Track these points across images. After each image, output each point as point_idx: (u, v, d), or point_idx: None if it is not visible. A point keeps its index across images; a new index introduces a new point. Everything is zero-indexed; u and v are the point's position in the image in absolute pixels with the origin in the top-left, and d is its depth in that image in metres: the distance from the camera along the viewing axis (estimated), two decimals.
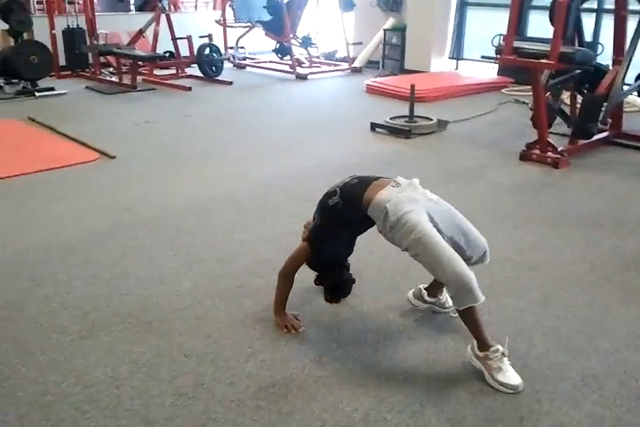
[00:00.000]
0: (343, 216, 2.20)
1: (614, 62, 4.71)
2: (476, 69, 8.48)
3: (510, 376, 2.00)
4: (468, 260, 2.14)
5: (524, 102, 6.69)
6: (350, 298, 2.47)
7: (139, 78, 7.45)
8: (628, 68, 4.50)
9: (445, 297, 2.45)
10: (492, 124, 5.78)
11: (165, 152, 4.78)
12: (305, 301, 2.53)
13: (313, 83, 8.14)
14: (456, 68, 8.71)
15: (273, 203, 3.69)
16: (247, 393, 1.98)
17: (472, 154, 4.79)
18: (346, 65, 8.98)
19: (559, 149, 4.46)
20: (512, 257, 2.98)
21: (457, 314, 2.11)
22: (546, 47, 4.16)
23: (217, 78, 7.90)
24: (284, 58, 8.78)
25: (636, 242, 3.14)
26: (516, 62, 4.28)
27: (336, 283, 2.37)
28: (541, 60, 4.09)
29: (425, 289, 2.45)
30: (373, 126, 5.51)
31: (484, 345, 2.04)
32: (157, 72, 8.06)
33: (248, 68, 9.12)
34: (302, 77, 8.28)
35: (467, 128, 5.62)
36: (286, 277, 2.35)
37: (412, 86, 5.53)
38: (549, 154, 4.47)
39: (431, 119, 5.55)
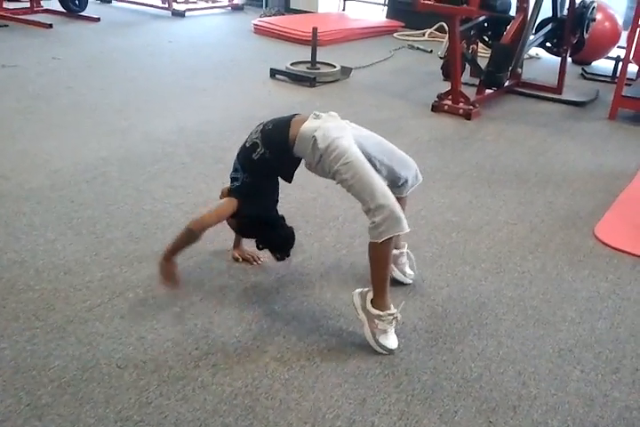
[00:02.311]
0: (274, 165, 2.06)
1: (518, 9, 4.61)
2: (364, 11, 8.19)
3: (391, 340, 1.92)
4: (405, 182, 2.14)
5: (418, 48, 6.56)
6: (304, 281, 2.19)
7: None
8: (537, 15, 4.42)
9: (405, 260, 2.30)
10: (394, 72, 5.56)
11: (36, 104, 4.05)
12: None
13: (192, 20, 7.41)
14: (343, 10, 8.35)
15: (180, 164, 3.23)
16: (206, 409, 1.66)
17: (382, 104, 4.55)
18: (225, 1, 8.28)
19: (471, 100, 4.35)
20: (453, 220, 2.83)
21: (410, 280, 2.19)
22: None
23: (81, 14, 6.91)
24: None
25: (566, 197, 3.12)
26: (434, 8, 4.03)
27: (282, 238, 2.19)
28: (462, 6, 3.87)
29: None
30: (273, 73, 5.08)
31: (382, 304, 1.93)
32: (7, 5, 6.88)
33: (115, 3, 8.09)
34: (179, 14, 7.50)
35: (369, 76, 5.36)
36: (200, 232, 2.03)
37: (315, 29, 5.12)
38: (461, 105, 4.35)
39: (334, 66, 5.21)
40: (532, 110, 4.62)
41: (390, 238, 1.84)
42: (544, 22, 4.80)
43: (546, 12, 4.71)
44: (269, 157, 2.01)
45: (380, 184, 1.88)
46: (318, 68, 5.16)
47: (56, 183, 2.90)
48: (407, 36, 7.12)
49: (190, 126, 3.80)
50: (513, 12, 4.55)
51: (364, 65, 5.62)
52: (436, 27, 7.15)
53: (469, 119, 4.28)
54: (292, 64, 5.18)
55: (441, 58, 5.10)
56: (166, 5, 7.64)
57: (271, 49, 6.18)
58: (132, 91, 4.45)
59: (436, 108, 4.42)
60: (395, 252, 2.19)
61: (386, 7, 7.89)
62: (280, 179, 2.17)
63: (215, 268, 2.32)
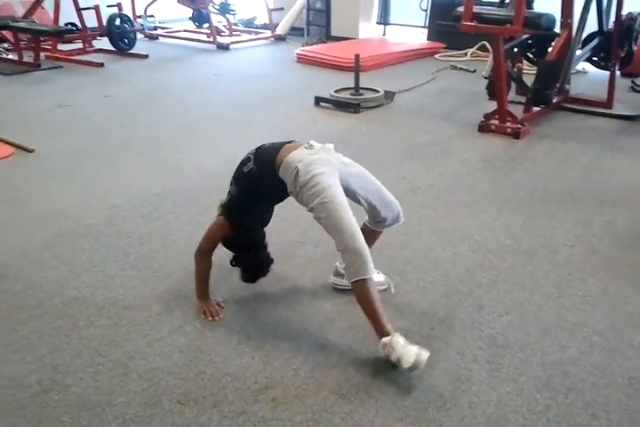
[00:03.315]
0: (259, 182, 2.11)
1: (562, 25, 4.55)
2: (404, 35, 8.24)
3: (411, 357, 1.82)
4: (383, 220, 2.19)
5: (461, 68, 6.54)
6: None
7: (41, 55, 6.63)
8: (583, 29, 4.35)
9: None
10: (438, 94, 5.55)
11: (90, 141, 4.21)
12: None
13: (236, 53, 7.60)
14: (383, 34, 8.42)
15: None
16: None
17: (427, 127, 4.54)
18: (268, 33, 8.47)
19: (519, 119, 4.29)
20: (507, 243, 2.77)
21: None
22: (507, 12, 3.94)
23: (130, 52, 7.20)
24: (202, 26, 8.13)
25: (624, 217, 3.02)
26: (477, 29, 4.01)
27: (253, 264, 2.28)
28: (506, 26, 3.85)
29: (340, 264, 2.29)
30: (318, 100, 5.14)
31: (383, 333, 1.92)
32: (62, 47, 7.22)
33: (161, 39, 8.41)
34: (224, 47, 7.72)
35: (412, 99, 5.36)
36: (202, 257, 2.22)
37: (357, 56, 5.17)
38: (509, 124, 4.30)
39: (378, 91, 5.24)
40: (582, 126, 4.52)
41: (363, 280, 1.89)
42: (590, 37, 4.73)
43: (591, 26, 4.64)
44: (256, 174, 2.09)
45: (351, 228, 1.91)
46: (362, 94, 5.19)
47: (113, 219, 2.99)
48: (449, 56, 7.12)
49: (239, 158, 3.85)
50: (557, 29, 4.50)
51: (407, 88, 5.63)
52: (477, 46, 7.13)
53: (518, 138, 4.21)
54: (335, 91, 5.24)
55: (485, 78, 5.05)
56: (211, 39, 7.87)
57: (314, 77, 6.27)
58: (180, 125, 4.57)
59: (483, 128, 4.37)
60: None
61: (426, 29, 7.92)
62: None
63: (269, 298, 2.33)
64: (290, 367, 1.95)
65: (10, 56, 6.80)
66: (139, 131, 4.44)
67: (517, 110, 4.45)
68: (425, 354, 1.84)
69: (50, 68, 6.39)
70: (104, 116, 4.81)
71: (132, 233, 2.84)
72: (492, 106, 4.45)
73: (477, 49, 7.16)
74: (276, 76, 6.34)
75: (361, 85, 5.26)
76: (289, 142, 2.14)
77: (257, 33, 8.57)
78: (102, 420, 1.73)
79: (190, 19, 8.18)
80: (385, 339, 1.90)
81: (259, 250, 2.26)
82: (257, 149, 2.16)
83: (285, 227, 2.82)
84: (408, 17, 8.55)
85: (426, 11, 7.93)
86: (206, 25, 8.02)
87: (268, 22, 8.50)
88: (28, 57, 6.55)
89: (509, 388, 1.85)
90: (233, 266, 2.28)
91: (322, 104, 5.12)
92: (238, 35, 8.54)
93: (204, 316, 2.21)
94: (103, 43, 7.42)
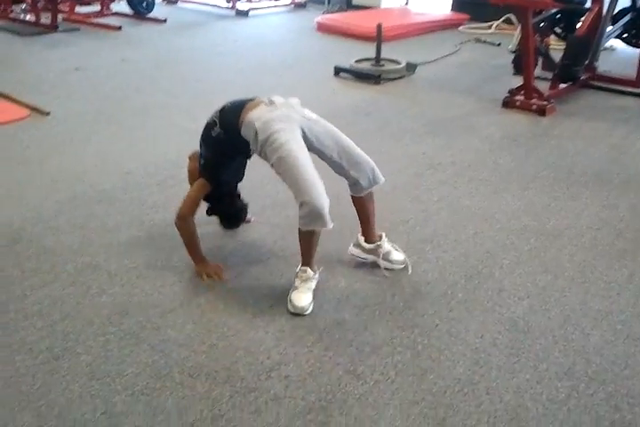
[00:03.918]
0: (229, 145, 2.14)
1: (594, 0, 4.36)
2: (427, 5, 7.99)
3: (301, 298, 2.05)
4: (356, 182, 2.15)
5: (485, 41, 6.34)
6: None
7: (59, 17, 6.49)
8: (615, 6, 4.17)
9: (387, 248, 2.31)
10: (461, 67, 5.39)
11: (107, 105, 4.13)
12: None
13: (255, 20, 7.42)
14: (406, 4, 8.17)
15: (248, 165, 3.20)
16: (279, 424, 1.61)
17: (450, 101, 4.41)
18: (288, 0, 8.25)
19: (545, 95, 4.15)
20: (530, 224, 2.68)
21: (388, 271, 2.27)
22: None
23: (148, 16, 7.04)
24: None
25: None
26: (507, 1, 3.86)
27: (230, 212, 2.37)
28: None
29: (361, 235, 2.34)
30: (337, 70, 5.01)
31: (304, 261, 2.10)
32: (79, 9, 7.08)
33: (180, 4, 8.21)
34: (243, 14, 7.52)
35: (435, 71, 5.21)
36: (187, 221, 2.21)
37: (380, 25, 5.01)
38: (534, 101, 4.16)
39: (399, 62, 5.08)
40: (610, 105, 4.37)
41: (311, 231, 1.99)
42: (622, 12, 4.54)
43: (623, 1, 4.45)
44: (224, 137, 2.12)
45: (308, 180, 1.93)
46: (383, 65, 5.05)
47: (128, 185, 2.94)
48: (473, 29, 6.89)
49: None
50: (588, 3, 4.32)
51: (430, 60, 5.47)
52: (503, 19, 6.90)
53: (543, 115, 4.08)
54: (356, 61, 5.09)
55: (512, 52, 4.90)
56: (230, 5, 7.69)
57: (334, 46, 6.11)
58: (199, 91, 4.47)
59: (508, 103, 4.24)
60: (370, 246, 2.30)
61: (450, 0, 7.67)
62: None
63: (284, 273, 2.28)
64: (304, 344, 1.91)
65: (27, 17, 6.68)
66: (156, 96, 4.35)
67: (543, 86, 4.30)
68: (308, 309, 2.03)
69: (67, 31, 6.26)
70: (121, 80, 4.72)
71: (147, 200, 2.79)
72: (517, 81, 4.31)
73: (502, 22, 6.93)
74: (296, 44, 6.19)
75: (382, 56, 5.12)
76: (251, 100, 2.13)
77: (277, 0, 8.36)
78: (112, 390, 1.70)
79: None
80: (303, 268, 2.09)
81: (232, 198, 2.35)
82: (220, 111, 2.16)
83: None
84: None
85: None
86: None
87: None
88: (44, 18, 6.42)
89: (529, 375, 1.79)
90: (209, 215, 2.34)
91: (341, 74, 4.99)
92: (258, 1, 8.32)
93: (207, 278, 2.21)
94: (121, 6, 7.26)
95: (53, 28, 6.21)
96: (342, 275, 2.29)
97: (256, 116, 2.02)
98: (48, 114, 3.86)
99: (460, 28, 6.99)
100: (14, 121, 3.73)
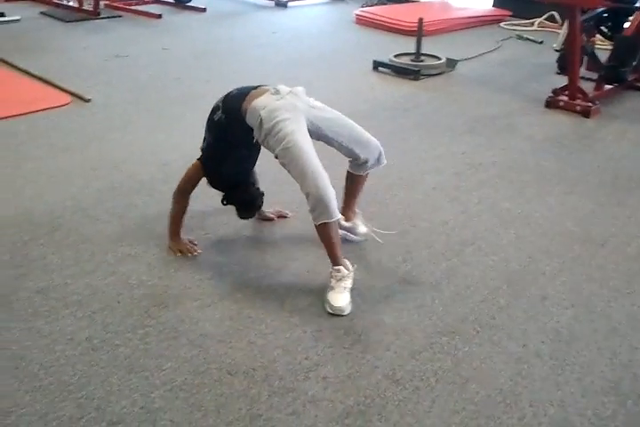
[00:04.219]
0: (229, 130, 2.13)
1: None
2: (468, 0, 7.85)
3: (337, 298, 2.02)
4: (364, 162, 2.20)
5: (527, 39, 6.20)
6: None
7: (101, 3, 6.53)
8: None
9: (359, 223, 2.42)
10: (502, 64, 5.28)
11: (147, 94, 4.15)
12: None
13: (294, 11, 7.37)
14: None
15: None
16: None
17: (491, 99, 4.32)
18: None
19: (590, 96, 4.04)
20: (574, 230, 2.61)
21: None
22: None
23: (188, 4, 7.05)
24: None
25: None
26: None
27: (244, 200, 2.31)
28: None
29: (341, 213, 2.34)
30: (376, 65, 4.95)
31: (333, 262, 2.07)
32: None
33: None
34: (282, 5, 7.49)
35: (475, 68, 5.11)
36: (181, 196, 2.26)
37: (420, 20, 4.93)
38: (579, 101, 4.05)
39: (439, 58, 5.00)
40: None
41: (324, 224, 1.95)
42: None
43: None
44: (225, 122, 2.11)
45: (314, 172, 1.92)
46: (422, 61, 4.97)
47: (167, 176, 2.93)
48: (515, 25, 6.75)
49: None
50: (638, 3, 4.19)
51: (470, 57, 5.37)
52: (546, 16, 6.74)
53: (588, 117, 3.97)
54: (395, 56, 5.02)
55: (556, 50, 4.78)
56: None
57: (373, 40, 6.04)
58: (238, 82, 4.39)
59: (551, 103, 4.14)
60: (347, 224, 2.38)
61: None
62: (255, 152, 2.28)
63: (322, 272, 2.25)
64: (342, 346, 1.88)
65: (70, 3, 6.74)
66: (195, 86, 4.34)
67: (587, 87, 4.19)
68: (347, 310, 2.01)
69: (109, 17, 6.32)
70: (161, 68, 4.73)
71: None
72: (561, 81, 4.21)
73: (545, 19, 6.77)
74: (334, 37, 6.13)
75: (422, 51, 5.04)
76: (256, 88, 2.13)
77: None
78: (150, 384, 1.70)
79: None
80: (337, 267, 2.06)
81: (247, 187, 2.29)
82: (225, 96, 2.16)
83: None
84: None
85: None
86: None
87: None
88: (87, 4, 6.47)
89: (574, 388, 1.74)
90: (224, 205, 2.31)
91: (380, 69, 4.92)
92: None
93: (180, 254, 2.27)
94: None
95: (96, 14, 6.26)
96: (380, 275, 2.25)
97: (261, 104, 2.02)
98: (89, 101, 3.89)
99: (502, 24, 6.85)
100: (56, 107, 3.76)
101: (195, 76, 4.57)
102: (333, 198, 1.94)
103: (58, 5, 6.73)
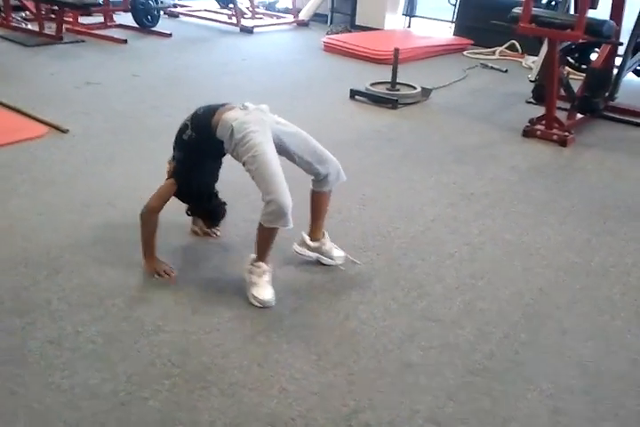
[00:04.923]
0: (200, 147, 2.25)
1: None
2: (428, 28, 8.07)
3: (263, 291, 2.18)
4: (325, 178, 2.32)
5: (492, 68, 6.40)
6: None
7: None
8: (636, 39, 4.24)
9: (330, 246, 2.50)
10: (473, 93, 5.42)
11: (126, 124, 4.04)
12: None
13: (260, 37, 7.39)
14: (409, 26, 8.25)
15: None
16: None
17: (469, 129, 4.42)
18: (290, 18, 8.26)
19: (566, 126, 4.19)
20: (576, 261, 2.67)
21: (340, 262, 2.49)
22: (567, 17, 3.82)
23: (153, 29, 6.97)
24: (228, 6, 7.88)
25: None
26: (535, 32, 3.90)
27: (209, 210, 2.45)
28: (566, 31, 3.72)
29: (307, 235, 2.49)
30: (353, 94, 5.00)
31: (259, 258, 2.22)
32: (81, 20, 6.97)
33: (182, 17, 8.16)
34: (248, 30, 7.49)
35: (448, 97, 5.23)
36: (151, 216, 2.31)
37: (397, 50, 5.01)
38: (555, 131, 4.19)
39: (414, 87, 5.10)
40: (627, 137, 4.42)
41: (273, 228, 2.11)
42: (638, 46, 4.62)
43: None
44: (195, 139, 2.22)
45: (277, 180, 2.06)
46: (398, 90, 5.06)
47: (163, 211, 2.84)
48: (477, 54, 6.97)
49: None
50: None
51: (441, 85, 5.49)
52: (506, 45, 7.00)
53: (564, 146, 4.11)
54: (371, 85, 5.09)
55: (532, 81, 4.94)
56: (234, 21, 7.65)
57: (343, 67, 6.10)
58: None
59: (528, 133, 4.26)
60: (315, 244, 2.48)
61: (453, 24, 7.76)
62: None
63: (341, 312, 2.22)
64: (377, 389, 1.85)
65: (29, 26, 6.56)
66: (174, 115, 4.19)
67: (559, 116, 4.34)
68: (273, 302, 2.18)
69: (72, 42, 6.16)
70: (135, 96, 4.63)
71: (184, 228, 2.71)
72: (531, 109, 4.37)
73: (506, 48, 7.03)
74: (305, 65, 6.17)
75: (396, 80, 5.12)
76: (223, 105, 2.25)
77: (279, 17, 8.36)
78: None
79: None
80: (257, 263, 2.21)
81: (210, 197, 2.42)
82: (192, 115, 2.28)
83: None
84: (431, 9, 8.38)
85: (454, 5, 7.77)
86: (231, 6, 7.77)
87: (290, 6, 8.30)
88: (47, 29, 6.30)
89: (612, 423, 1.76)
90: (189, 215, 2.50)
91: (357, 97, 4.97)
92: (260, 18, 8.31)
93: (159, 276, 2.31)
94: (123, 18, 7.18)
95: (59, 38, 6.10)
96: (399, 312, 2.23)
97: (233, 117, 2.15)
98: (67, 131, 3.76)
99: (465, 52, 7.06)
100: (33, 139, 3.62)
101: (172, 105, 4.47)
102: (290, 208, 2.06)
103: (16, 29, 6.53)
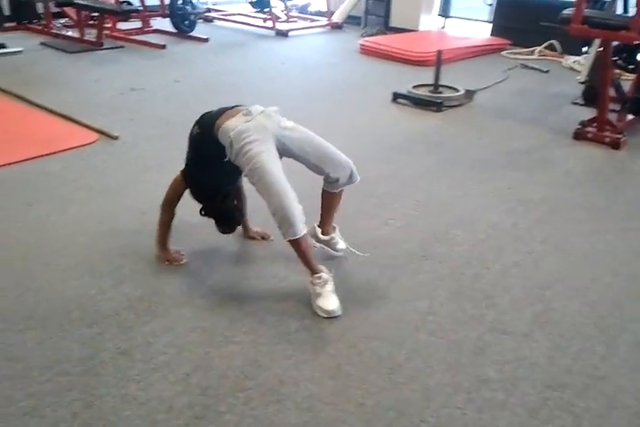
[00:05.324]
0: (204, 144, 2.24)
1: None
2: (464, 29, 7.97)
3: (327, 302, 2.14)
4: (336, 180, 2.27)
5: (533, 68, 6.29)
6: None
7: None
8: None
9: (337, 239, 2.52)
10: (517, 95, 5.32)
11: (172, 130, 4.04)
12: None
13: (295, 40, 7.38)
14: (443, 27, 8.16)
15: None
16: None
17: (517, 132, 4.33)
18: (324, 20, 8.23)
19: (619, 128, 4.08)
20: None
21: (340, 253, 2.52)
22: (620, 18, 3.74)
23: (190, 34, 7.01)
24: (264, 11, 7.89)
25: None
26: (588, 33, 3.80)
27: (220, 212, 2.40)
28: (620, 32, 3.63)
29: (318, 226, 2.51)
30: (396, 97, 4.94)
31: (311, 271, 2.19)
32: (120, 25, 7.03)
33: (216, 22, 8.20)
34: (283, 34, 7.50)
35: (491, 99, 5.14)
36: (167, 208, 2.39)
37: (439, 52, 4.95)
38: (607, 133, 4.09)
39: (458, 89, 5.03)
40: None
41: (292, 240, 2.05)
42: None
43: None
44: (199, 137, 2.24)
45: (279, 192, 2.02)
46: (441, 92, 4.99)
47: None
48: (516, 54, 6.86)
49: None
50: None
51: (483, 87, 5.41)
52: (545, 45, 6.88)
53: (617, 149, 4.00)
54: (413, 87, 5.03)
55: (581, 83, 4.84)
56: (269, 25, 7.66)
57: (381, 70, 6.05)
58: None
59: (579, 135, 4.16)
60: (325, 238, 2.49)
61: (490, 24, 7.66)
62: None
63: (410, 323, 2.17)
64: (454, 405, 1.80)
65: (69, 33, 6.64)
66: None
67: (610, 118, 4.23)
68: (339, 311, 2.14)
69: (112, 48, 6.23)
70: (179, 102, 4.64)
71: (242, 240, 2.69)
72: (579, 111, 4.27)
73: (545, 48, 6.91)
74: (343, 68, 6.14)
75: (431, 82, 5.04)
76: (231, 108, 2.24)
77: (313, 20, 8.35)
78: None
79: (250, 2, 7.94)
80: (317, 275, 2.17)
81: (224, 200, 2.37)
82: (203, 114, 2.30)
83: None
84: (462, 9, 8.28)
85: (491, 5, 7.67)
86: (266, 9, 7.78)
87: (325, 9, 8.28)
88: (87, 35, 6.38)
89: None
90: (202, 215, 2.42)
91: (399, 100, 4.91)
92: (295, 21, 8.31)
93: (168, 263, 2.41)
94: (160, 23, 7.23)
95: (99, 45, 6.16)
96: (468, 324, 2.18)
97: (232, 126, 2.12)
98: (117, 138, 3.78)
99: (503, 53, 6.96)
100: (84, 145, 3.64)
101: None
102: (298, 215, 2.02)
103: (57, 35, 6.62)
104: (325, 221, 2.50)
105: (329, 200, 2.42)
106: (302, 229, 2.05)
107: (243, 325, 2.10)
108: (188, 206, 2.43)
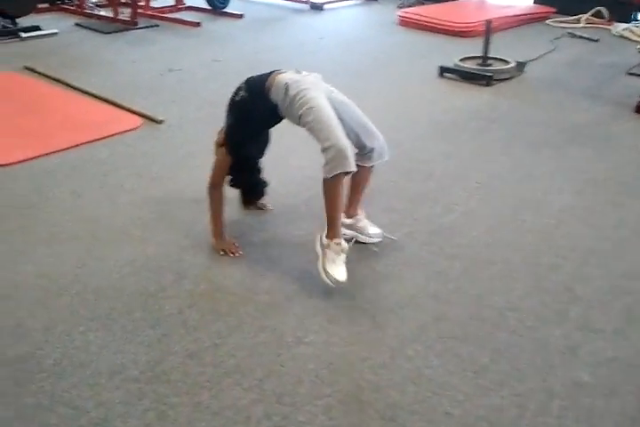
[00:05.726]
0: (251, 107, 2.24)
1: None
2: None
3: (339, 271, 2.08)
4: (370, 152, 2.27)
5: (581, 37, 5.96)
6: None
7: None
8: None
9: (365, 223, 2.43)
10: (569, 65, 5.04)
11: (216, 112, 3.74)
12: None
13: (331, 14, 7.14)
14: None
15: (390, 183, 2.95)
16: None
17: (574, 105, 4.10)
18: None
19: None
20: None
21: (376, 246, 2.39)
22: None
23: (224, 11, 6.81)
24: None
25: None
26: None
27: (250, 184, 2.45)
28: None
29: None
30: (442, 71, 4.72)
31: (332, 234, 2.11)
32: (153, 4, 6.86)
33: None
34: (318, 8, 7.26)
35: (542, 70, 4.87)
36: (215, 190, 2.34)
37: (489, 22, 4.69)
38: None
39: (508, 61, 4.77)
40: None
41: (339, 175, 2.02)
42: None
43: None
44: (248, 99, 2.22)
45: (335, 128, 2.03)
46: (490, 64, 4.74)
47: (273, 202, 2.71)
48: (562, 22, 6.52)
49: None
50: None
51: (532, 58, 5.13)
52: (592, 12, 6.52)
53: None
54: (460, 60, 4.79)
55: None
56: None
57: (423, 42, 5.81)
58: None
59: None
60: (349, 221, 2.39)
61: None
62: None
63: (488, 320, 2.04)
64: (550, 414, 1.66)
65: (102, 12, 6.50)
66: None
67: None
68: (344, 283, 2.06)
69: (146, 27, 6.08)
70: (220, 83, 4.47)
71: (295, 221, 2.56)
72: (636, 81, 4.00)
73: (592, 15, 6.55)
74: (383, 41, 5.89)
75: (475, 53, 4.79)
76: (279, 70, 2.24)
77: None
78: None
79: None
80: (337, 240, 2.09)
81: (253, 171, 2.42)
82: (246, 79, 2.29)
83: None
84: None
85: None
86: None
87: None
88: (121, 14, 6.23)
89: None
90: (231, 186, 2.41)
91: (445, 75, 4.69)
92: None
93: (224, 253, 2.33)
94: (192, 0, 7.04)
95: (134, 24, 6.02)
96: (551, 319, 2.03)
97: (288, 77, 2.17)
98: (161, 122, 3.66)
99: (548, 21, 6.62)
100: (129, 131, 3.53)
101: None
102: (351, 150, 2.03)
103: (91, 16, 6.49)
104: (353, 200, 2.42)
105: (360, 176, 2.32)
106: (354, 165, 2.04)
107: (312, 323, 1.99)
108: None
